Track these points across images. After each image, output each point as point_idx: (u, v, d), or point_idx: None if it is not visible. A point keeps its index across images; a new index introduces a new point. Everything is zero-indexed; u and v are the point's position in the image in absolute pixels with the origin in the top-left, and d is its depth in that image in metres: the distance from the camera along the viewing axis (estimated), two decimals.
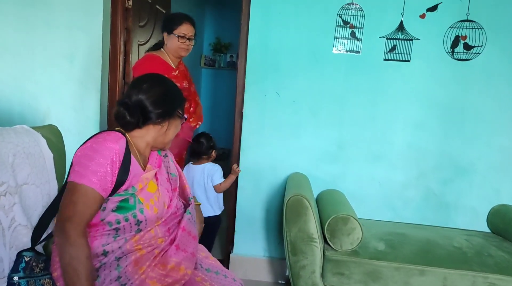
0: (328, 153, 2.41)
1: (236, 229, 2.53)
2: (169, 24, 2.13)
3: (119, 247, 1.17)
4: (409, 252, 1.89)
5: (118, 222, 1.17)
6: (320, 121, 2.39)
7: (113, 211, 1.17)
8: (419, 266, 1.81)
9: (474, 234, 2.19)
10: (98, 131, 2.50)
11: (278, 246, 2.51)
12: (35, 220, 1.31)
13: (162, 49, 2.18)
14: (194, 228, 1.36)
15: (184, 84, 2.14)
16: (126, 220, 1.18)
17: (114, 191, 1.16)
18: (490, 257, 1.89)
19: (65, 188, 1.16)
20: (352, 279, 1.83)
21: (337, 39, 2.31)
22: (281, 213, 2.36)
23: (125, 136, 1.23)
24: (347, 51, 2.32)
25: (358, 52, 2.32)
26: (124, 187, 1.17)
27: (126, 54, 2.61)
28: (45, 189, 1.38)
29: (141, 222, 1.20)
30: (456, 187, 2.38)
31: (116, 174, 1.15)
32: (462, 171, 2.37)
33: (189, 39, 2.12)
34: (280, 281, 2.49)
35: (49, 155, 1.42)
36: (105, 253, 1.16)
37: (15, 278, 1.12)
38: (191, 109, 2.22)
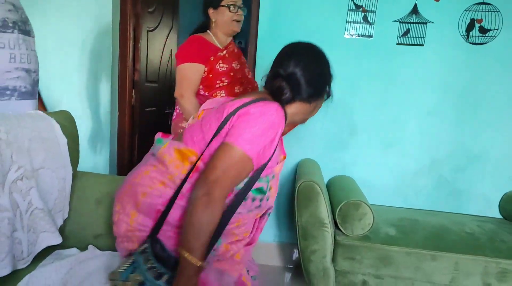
0: (339, 139, 2.40)
1: None
2: None
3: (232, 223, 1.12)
4: (420, 237, 1.88)
5: (253, 200, 1.12)
6: (331, 107, 2.37)
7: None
8: (430, 251, 1.81)
9: (486, 220, 2.18)
10: (109, 116, 2.52)
11: (288, 231, 2.52)
12: (51, 204, 1.33)
13: (208, 31, 1.95)
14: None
15: (234, 65, 1.90)
16: (253, 200, 1.12)
17: (259, 169, 1.09)
18: (503, 243, 1.87)
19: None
20: (363, 264, 1.84)
21: (349, 24, 2.28)
22: (291, 199, 2.37)
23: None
24: (359, 36, 2.29)
25: (371, 36, 2.28)
26: (268, 171, 1.12)
27: (136, 41, 2.60)
28: (60, 174, 1.39)
29: (259, 207, 1.15)
30: (469, 174, 2.36)
31: (272, 153, 1.09)
32: (474, 159, 2.34)
33: (239, 7, 1.88)
34: (289, 265, 2.51)
35: (63, 141, 1.43)
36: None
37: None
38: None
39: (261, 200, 1.15)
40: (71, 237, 1.44)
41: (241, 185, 1.09)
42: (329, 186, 2.21)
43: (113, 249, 1.43)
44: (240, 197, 1.10)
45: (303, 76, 1.13)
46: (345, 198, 1.86)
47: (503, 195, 2.28)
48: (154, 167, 1.14)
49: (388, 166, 2.40)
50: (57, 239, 1.29)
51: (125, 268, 1.04)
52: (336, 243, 1.85)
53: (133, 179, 1.16)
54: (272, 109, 1.08)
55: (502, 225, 2.10)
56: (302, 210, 1.84)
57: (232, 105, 1.11)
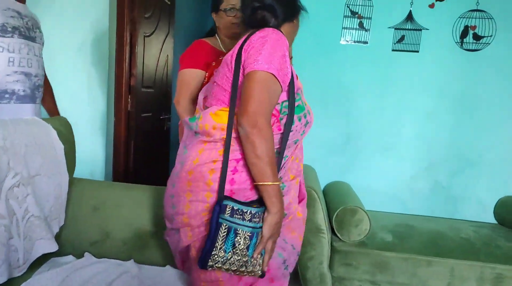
0: (335, 145, 2.41)
1: None
2: (214, 1, 1.86)
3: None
4: (416, 243, 1.89)
5: (299, 119, 1.17)
6: (327, 112, 2.38)
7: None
8: (426, 257, 1.81)
9: (482, 225, 2.19)
10: (106, 122, 2.51)
11: None
12: (47, 211, 1.32)
13: (215, 35, 1.92)
14: None
15: None
16: (299, 119, 1.17)
17: (290, 88, 1.16)
18: (498, 248, 1.89)
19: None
20: (359, 270, 1.84)
21: (345, 30, 2.30)
22: None
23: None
24: (355, 42, 2.31)
25: (366, 42, 2.30)
26: (295, 87, 1.18)
27: (132, 46, 2.60)
28: (56, 180, 1.39)
29: (308, 123, 1.21)
30: (464, 179, 2.38)
31: (289, 68, 1.14)
32: (470, 163, 2.36)
33: (238, 9, 1.79)
34: None
35: (60, 147, 1.43)
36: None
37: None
38: None
39: (305, 115, 1.20)
40: (67, 244, 1.43)
41: (284, 110, 1.14)
42: (325, 192, 2.22)
43: (110, 256, 1.43)
44: (289, 120, 1.15)
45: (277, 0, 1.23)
46: (342, 204, 1.86)
47: (498, 201, 2.30)
48: (205, 143, 1.15)
49: (384, 171, 2.41)
50: (53, 247, 1.28)
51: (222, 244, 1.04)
52: (333, 249, 1.85)
53: (189, 165, 1.14)
54: (269, 31, 1.15)
55: (497, 230, 2.11)
56: None
57: (233, 50, 1.17)
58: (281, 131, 1.15)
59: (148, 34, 2.82)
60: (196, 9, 4.39)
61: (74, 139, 1.61)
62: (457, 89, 2.31)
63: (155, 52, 2.98)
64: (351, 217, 1.82)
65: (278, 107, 1.14)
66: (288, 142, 1.16)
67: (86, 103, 2.48)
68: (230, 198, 1.08)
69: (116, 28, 2.48)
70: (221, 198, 1.08)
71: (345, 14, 2.29)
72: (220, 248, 1.04)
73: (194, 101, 1.87)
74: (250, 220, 1.06)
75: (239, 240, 1.04)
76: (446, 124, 2.35)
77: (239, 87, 1.12)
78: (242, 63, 1.13)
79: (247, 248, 1.05)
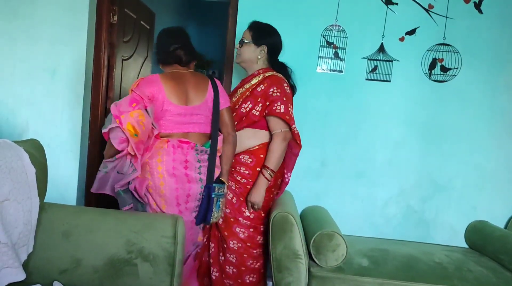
0: (311, 170, 2.44)
1: None
2: None
3: None
4: (392, 268, 1.91)
5: None
6: (303, 138, 2.40)
7: None
8: (402, 282, 1.83)
9: (453, 249, 2.24)
10: (79, 145, 2.45)
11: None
12: (15, 238, 1.26)
13: None
14: None
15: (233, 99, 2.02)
16: None
17: None
18: (470, 272, 1.93)
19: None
20: None
21: (321, 59, 2.38)
22: (265, 230, 2.35)
23: None
24: (330, 71, 2.39)
25: (341, 71, 2.39)
26: None
27: (110, 69, 2.59)
28: (26, 206, 1.33)
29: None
30: (435, 204, 2.45)
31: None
32: (440, 188, 2.44)
33: (240, 43, 1.97)
34: None
35: (31, 170, 1.38)
36: None
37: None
38: None
39: None
40: (35, 272, 1.36)
41: None
42: (302, 216, 2.23)
43: (80, 285, 1.37)
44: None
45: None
46: (319, 229, 1.87)
47: (468, 225, 2.38)
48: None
49: (359, 196, 2.45)
50: (21, 275, 1.22)
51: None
52: (310, 274, 1.85)
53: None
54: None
55: (468, 255, 2.16)
56: (276, 241, 1.84)
57: None
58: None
59: (126, 57, 2.83)
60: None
61: (47, 162, 1.56)
62: (426, 117, 2.41)
63: (133, 75, 2.98)
64: (328, 242, 1.83)
65: None
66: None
67: (59, 126, 2.42)
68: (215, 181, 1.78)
69: (93, 51, 2.47)
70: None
71: (321, 44, 2.37)
72: (214, 211, 1.77)
73: None
74: (222, 191, 1.78)
75: (220, 204, 1.79)
76: (416, 151, 2.43)
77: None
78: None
79: (222, 206, 1.82)
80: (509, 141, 2.41)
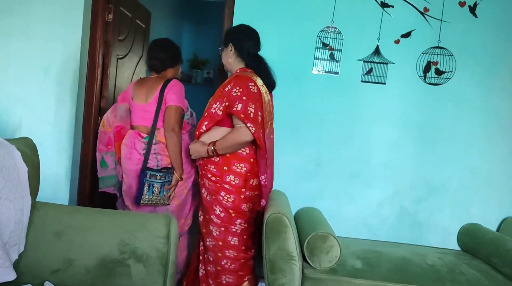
0: (306, 171, 2.44)
1: None
2: None
3: None
4: (385, 270, 1.91)
5: None
6: (299, 140, 2.42)
7: None
8: (395, 284, 1.83)
9: (446, 252, 2.25)
10: (73, 144, 2.43)
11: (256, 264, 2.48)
12: (6, 237, 1.25)
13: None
14: None
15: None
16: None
17: None
18: (462, 275, 1.94)
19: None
20: None
21: (317, 60, 2.38)
22: (259, 231, 2.35)
23: None
24: (326, 72, 2.39)
25: (337, 73, 2.39)
26: None
27: (104, 68, 2.57)
28: (18, 204, 1.32)
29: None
30: (429, 206, 2.46)
31: None
32: (434, 190, 2.45)
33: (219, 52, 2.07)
34: None
35: (23, 169, 1.37)
36: None
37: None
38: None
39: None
40: (26, 272, 1.34)
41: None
42: (296, 218, 2.22)
43: (72, 285, 1.35)
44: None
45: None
46: (313, 230, 1.87)
47: (461, 228, 2.38)
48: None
49: (353, 197, 2.46)
50: (11, 276, 1.20)
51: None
52: (304, 276, 1.84)
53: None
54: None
55: (461, 257, 2.17)
56: (270, 243, 1.83)
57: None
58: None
59: (121, 56, 2.81)
60: (170, 32, 4.43)
61: (39, 160, 1.54)
62: (421, 120, 2.43)
63: (128, 74, 2.96)
64: (322, 244, 1.83)
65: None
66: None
67: (52, 124, 2.40)
68: (149, 168, 2.03)
69: (88, 49, 2.45)
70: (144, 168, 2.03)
71: (317, 46, 2.37)
72: (145, 194, 2.01)
73: None
74: (160, 178, 2.02)
75: (154, 189, 2.02)
76: (410, 153, 2.44)
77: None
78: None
79: (159, 192, 2.03)
80: (503, 143, 2.43)
